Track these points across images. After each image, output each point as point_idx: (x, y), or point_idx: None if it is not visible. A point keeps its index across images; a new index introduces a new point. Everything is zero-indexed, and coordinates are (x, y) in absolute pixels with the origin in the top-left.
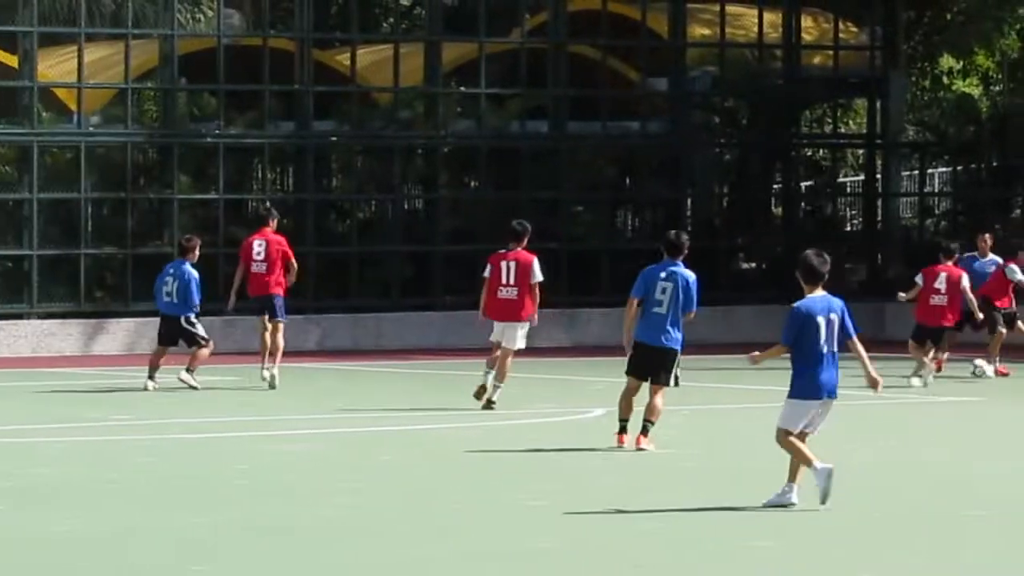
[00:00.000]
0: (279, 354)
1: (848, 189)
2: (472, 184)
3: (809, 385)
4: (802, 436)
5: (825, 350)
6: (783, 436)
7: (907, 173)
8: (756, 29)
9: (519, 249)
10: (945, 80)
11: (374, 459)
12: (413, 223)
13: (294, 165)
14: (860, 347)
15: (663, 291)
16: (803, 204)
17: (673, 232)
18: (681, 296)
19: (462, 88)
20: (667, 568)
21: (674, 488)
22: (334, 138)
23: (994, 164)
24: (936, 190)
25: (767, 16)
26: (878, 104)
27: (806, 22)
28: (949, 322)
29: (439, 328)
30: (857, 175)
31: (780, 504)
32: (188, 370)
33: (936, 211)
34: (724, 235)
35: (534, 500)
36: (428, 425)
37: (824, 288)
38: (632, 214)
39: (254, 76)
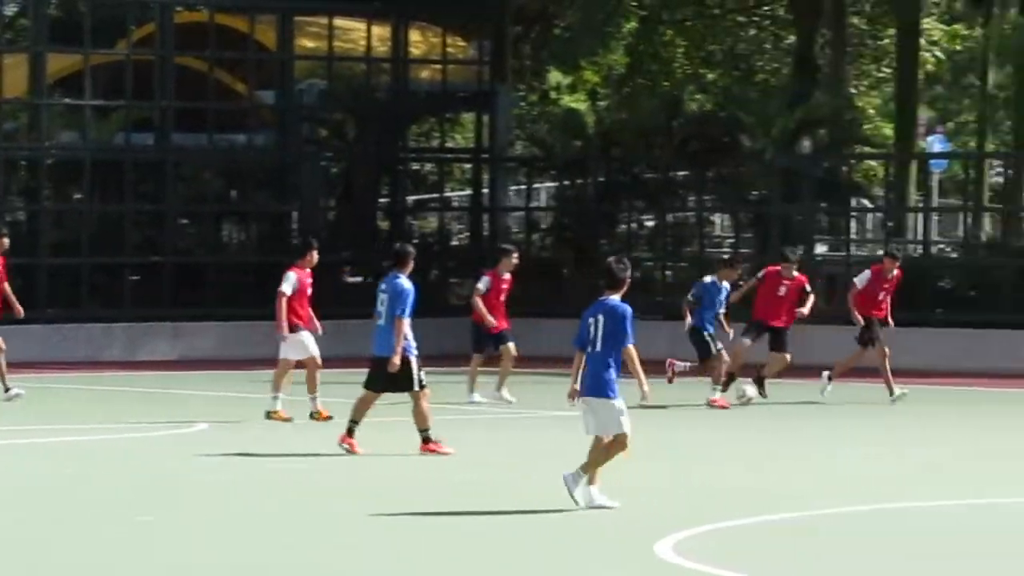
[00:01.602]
0: None
1: (455, 203)
2: (76, 196)
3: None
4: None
5: (590, 350)
6: None
7: (515, 188)
8: (364, 43)
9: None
10: (553, 95)
11: None
12: (16, 235)
13: None
14: (632, 356)
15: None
16: (409, 218)
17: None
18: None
19: (66, 99)
20: None
21: (294, 502)
22: None
23: (600, 179)
24: (543, 204)
25: (375, 30)
26: (485, 119)
27: (414, 36)
28: None
29: (41, 341)
30: (464, 189)
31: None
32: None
33: (543, 226)
34: (331, 248)
35: (142, 515)
36: (38, 440)
37: (614, 293)
38: (238, 227)
39: None
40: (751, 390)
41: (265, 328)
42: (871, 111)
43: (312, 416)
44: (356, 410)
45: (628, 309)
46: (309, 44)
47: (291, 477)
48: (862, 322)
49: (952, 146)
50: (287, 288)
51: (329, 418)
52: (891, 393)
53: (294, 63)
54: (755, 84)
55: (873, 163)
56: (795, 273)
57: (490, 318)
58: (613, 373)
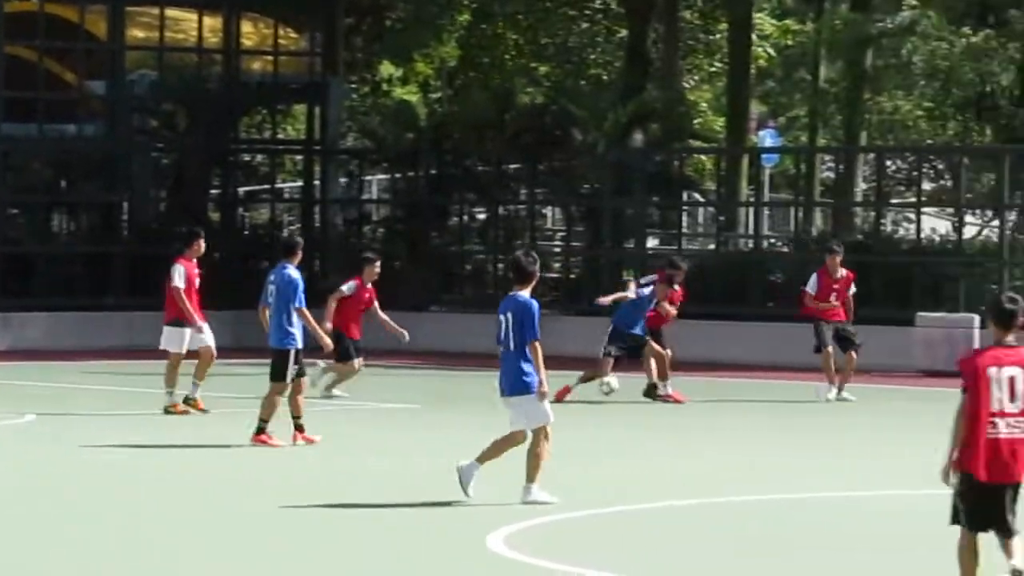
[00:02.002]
0: None
1: (287, 195)
2: None
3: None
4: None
5: (503, 349)
6: None
7: (347, 180)
8: (196, 33)
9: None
10: (385, 87)
11: None
12: None
13: None
14: (536, 352)
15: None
16: (241, 209)
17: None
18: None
19: None
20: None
21: (121, 492)
22: None
23: (432, 172)
24: (375, 197)
25: (207, 20)
26: (317, 110)
27: (246, 27)
28: None
29: None
30: (296, 181)
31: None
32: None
33: (375, 217)
34: (162, 240)
35: None
36: None
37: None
38: (68, 217)
39: None
40: (615, 381)
41: (95, 319)
42: (703, 105)
43: (167, 410)
44: (290, 408)
45: (535, 304)
46: (140, 34)
47: (118, 468)
48: (822, 307)
49: (783, 141)
50: (180, 282)
51: (185, 412)
52: (820, 391)
53: (125, 53)
54: (587, 78)
55: (705, 157)
56: (677, 287)
57: (328, 324)
58: (529, 367)
